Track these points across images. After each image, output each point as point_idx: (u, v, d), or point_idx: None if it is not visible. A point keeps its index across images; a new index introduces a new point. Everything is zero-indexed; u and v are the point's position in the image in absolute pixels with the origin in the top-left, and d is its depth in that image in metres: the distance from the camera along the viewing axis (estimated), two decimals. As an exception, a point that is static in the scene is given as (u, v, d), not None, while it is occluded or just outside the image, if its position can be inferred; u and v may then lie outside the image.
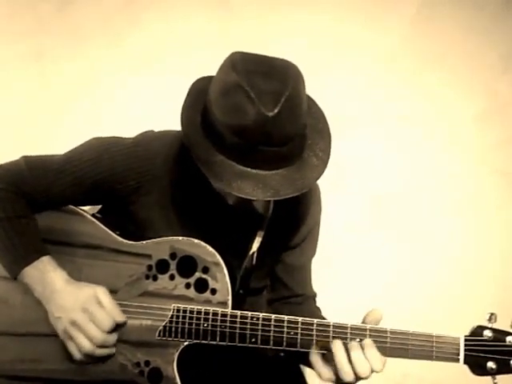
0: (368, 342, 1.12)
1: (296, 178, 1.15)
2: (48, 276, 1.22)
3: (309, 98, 1.24)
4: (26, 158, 1.34)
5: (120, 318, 1.22)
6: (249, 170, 1.12)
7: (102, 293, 1.21)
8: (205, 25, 2.02)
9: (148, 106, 1.98)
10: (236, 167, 1.12)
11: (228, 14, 2.02)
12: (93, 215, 1.36)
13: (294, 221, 1.41)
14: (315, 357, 1.15)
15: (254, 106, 1.07)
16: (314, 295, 1.49)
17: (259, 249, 1.37)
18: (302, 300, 1.46)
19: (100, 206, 1.43)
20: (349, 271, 2.00)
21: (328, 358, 1.15)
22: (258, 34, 1.99)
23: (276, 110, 1.07)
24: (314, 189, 1.44)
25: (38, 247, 1.26)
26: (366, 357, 1.10)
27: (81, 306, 1.19)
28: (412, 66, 2.04)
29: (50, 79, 2.03)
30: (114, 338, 1.22)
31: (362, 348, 1.11)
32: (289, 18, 2.03)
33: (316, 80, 1.98)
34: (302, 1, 2.04)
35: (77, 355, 1.20)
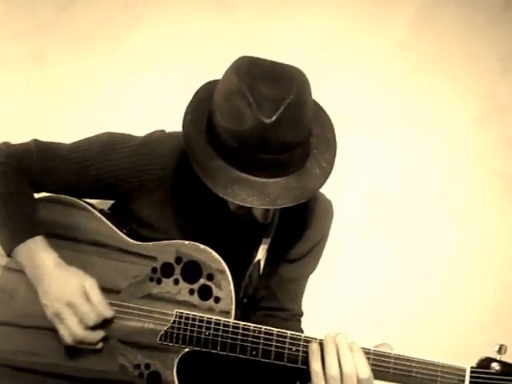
0: (355, 346, 1.10)
1: (295, 188, 1.11)
2: (38, 256, 1.22)
3: (319, 106, 1.23)
4: (36, 141, 1.35)
5: (106, 312, 1.22)
6: (247, 176, 1.10)
7: (90, 286, 1.21)
8: (205, 27, 2.03)
9: (148, 107, 1.99)
10: (234, 173, 1.10)
11: (228, 16, 2.03)
12: (101, 211, 1.36)
13: (300, 234, 1.39)
14: (314, 346, 1.12)
15: (252, 112, 1.04)
16: (301, 314, 1.46)
17: (264, 258, 1.36)
18: (287, 316, 1.43)
19: (111, 203, 1.44)
20: (349, 271, 2.01)
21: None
22: (258, 36, 1.99)
23: (274, 118, 1.04)
24: (323, 205, 1.41)
25: (35, 226, 1.26)
26: (352, 358, 1.09)
27: (66, 299, 1.19)
28: (412, 67, 2.05)
29: (51, 81, 2.03)
30: (98, 335, 1.22)
31: (350, 349, 1.09)
32: (289, 20, 2.04)
33: (316, 81, 1.99)
34: (301, 3, 2.05)
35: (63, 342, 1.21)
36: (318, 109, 1.23)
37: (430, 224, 2.03)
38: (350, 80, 2.04)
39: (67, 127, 1.99)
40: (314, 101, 1.20)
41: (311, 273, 1.46)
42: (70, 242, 1.30)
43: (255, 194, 1.09)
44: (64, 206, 1.33)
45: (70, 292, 1.20)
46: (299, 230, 1.38)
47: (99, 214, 1.33)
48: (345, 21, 2.05)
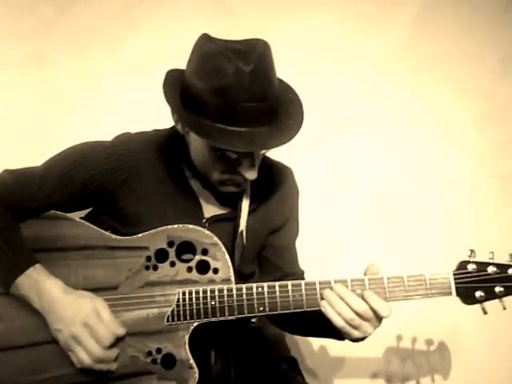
0: (367, 293, 1.18)
1: (276, 134, 1.22)
2: (44, 285, 1.23)
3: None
4: (8, 171, 1.35)
5: (120, 331, 1.23)
6: (232, 128, 1.18)
7: (101, 306, 1.23)
8: (205, 28, 2.02)
9: (148, 108, 1.99)
10: (221, 127, 1.18)
11: (228, 17, 2.03)
12: (80, 218, 1.36)
13: (274, 203, 1.46)
14: (327, 306, 1.19)
15: (231, 64, 1.15)
16: (302, 273, 1.54)
17: (246, 229, 1.40)
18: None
19: (83, 213, 1.44)
20: (349, 271, 2.00)
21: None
22: (258, 37, 1.99)
23: (252, 65, 1.15)
24: (287, 173, 1.51)
25: (29, 256, 1.27)
26: (370, 305, 1.17)
27: (81, 320, 1.20)
28: (411, 68, 2.05)
29: (51, 82, 2.03)
30: (114, 353, 1.23)
31: (365, 300, 1.18)
32: (289, 20, 2.04)
33: (316, 81, 2.00)
34: (301, 3, 2.05)
35: (78, 365, 1.22)
36: (277, 76, 1.32)
37: (430, 224, 2.03)
38: (350, 80, 2.04)
39: (67, 128, 1.99)
40: None
41: (296, 237, 1.55)
42: (58, 253, 1.29)
43: (245, 142, 1.19)
44: (45, 220, 1.33)
45: (85, 313, 1.21)
46: (274, 197, 1.46)
47: (81, 220, 1.34)
48: (345, 21, 2.05)
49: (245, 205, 1.40)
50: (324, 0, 2.05)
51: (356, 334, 1.19)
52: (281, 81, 1.30)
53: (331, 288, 1.20)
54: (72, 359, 1.22)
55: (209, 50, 1.20)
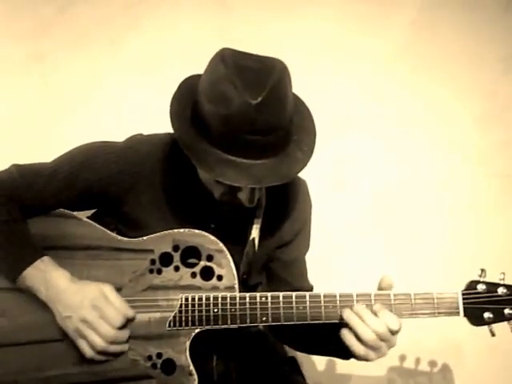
0: (377, 306, 1.16)
1: (279, 169, 1.17)
2: (51, 276, 1.23)
3: (296, 97, 1.27)
4: (17, 166, 1.34)
5: (129, 312, 1.22)
6: (232, 158, 1.14)
7: (108, 289, 1.22)
8: (205, 27, 2.04)
9: (148, 108, 1.99)
10: (220, 155, 1.15)
11: (228, 17, 2.04)
12: (87, 218, 1.35)
13: (285, 217, 1.43)
14: (348, 334, 1.17)
15: (239, 95, 1.10)
16: (311, 288, 1.51)
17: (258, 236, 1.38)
18: None
19: (89, 213, 1.43)
20: (349, 271, 2.01)
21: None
22: (258, 37, 2.00)
23: (260, 99, 1.10)
24: (301, 186, 1.47)
25: (37, 248, 1.26)
26: (379, 318, 1.14)
27: (90, 303, 1.20)
28: (412, 68, 2.05)
29: (52, 82, 2.04)
30: (125, 334, 1.22)
31: (374, 313, 1.15)
32: (289, 20, 2.04)
33: (316, 81, 2.00)
34: (301, 3, 2.05)
35: (89, 353, 1.21)
36: (297, 100, 1.27)
37: (430, 224, 2.03)
38: (350, 80, 2.04)
39: (67, 128, 2.00)
40: (293, 93, 1.24)
41: (306, 252, 1.52)
42: (62, 251, 1.29)
43: (241, 175, 1.14)
44: (51, 217, 1.32)
45: (92, 296, 1.20)
46: (286, 210, 1.43)
47: (87, 220, 1.33)
48: (345, 21, 2.06)
49: (259, 213, 1.38)
50: (324, 0, 2.05)
51: (372, 355, 1.16)
52: (300, 105, 1.26)
53: (351, 308, 1.17)
54: (82, 348, 1.21)
55: (218, 75, 1.14)
